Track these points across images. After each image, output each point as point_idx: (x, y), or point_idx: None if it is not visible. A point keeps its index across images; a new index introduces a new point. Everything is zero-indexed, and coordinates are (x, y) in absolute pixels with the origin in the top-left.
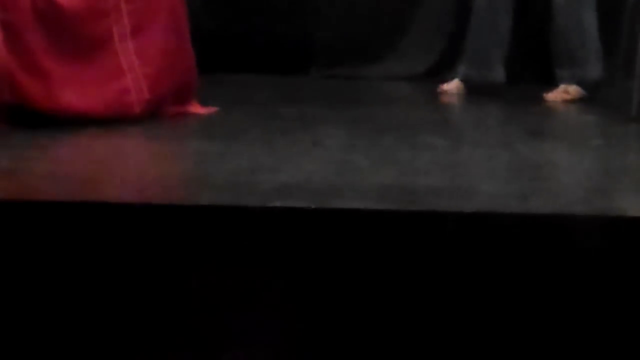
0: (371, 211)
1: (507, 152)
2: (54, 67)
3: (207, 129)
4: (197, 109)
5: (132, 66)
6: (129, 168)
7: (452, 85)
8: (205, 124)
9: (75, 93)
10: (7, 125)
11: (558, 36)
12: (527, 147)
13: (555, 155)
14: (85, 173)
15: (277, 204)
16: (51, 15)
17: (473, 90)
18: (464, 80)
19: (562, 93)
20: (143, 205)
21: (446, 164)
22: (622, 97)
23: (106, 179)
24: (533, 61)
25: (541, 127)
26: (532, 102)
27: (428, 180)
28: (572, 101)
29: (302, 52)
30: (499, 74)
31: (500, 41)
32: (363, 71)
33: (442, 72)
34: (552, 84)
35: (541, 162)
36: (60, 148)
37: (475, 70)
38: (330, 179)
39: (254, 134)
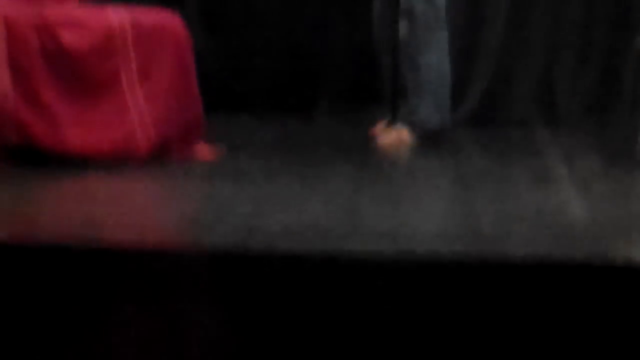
0: (374, 255)
1: (512, 197)
2: (61, 108)
3: (213, 171)
4: (203, 150)
5: (138, 107)
6: (134, 210)
7: (396, 134)
8: (210, 165)
9: (81, 134)
10: (11, 165)
11: (395, 72)
12: (532, 192)
13: (560, 201)
14: (88, 215)
15: (282, 247)
16: (59, 56)
17: (425, 138)
18: (410, 127)
19: (395, 136)
20: (146, 250)
21: (453, 208)
22: (627, 142)
23: (110, 221)
24: (538, 102)
25: (547, 171)
26: (539, 144)
27: (433, 225)
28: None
29: (306, 93)
30: (437, 119)
31: (440, 81)
32: (368, 114)
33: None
34: (557, 126)
35: (545, 207)
36: (64, 189)
37: (418, 116)
38: (334, 222)
39: (261, 175)
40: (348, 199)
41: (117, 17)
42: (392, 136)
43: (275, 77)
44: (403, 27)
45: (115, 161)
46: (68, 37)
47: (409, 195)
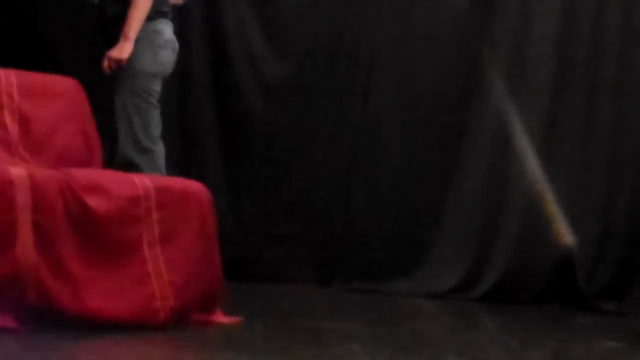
0: None
1: None
2: (82, 271)
3: (231, 339)
4: (221, 318)
5: (159, 273)
6: None
7: None
8: (228, 333)
9: (101, 297)
10: (31, 328)
11: None
12: None
13: None
14: None
15: None
16: (83, 219)
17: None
18: None
19: None
20: None
21: None
22: None
23: None
24: (561, 282)
25: (564, 352)
26: (557, 324)
27: None
28: None
29: (325, 264)
30: None
31: None
32: (386, 286)
33: (466, 289)
34: (581, 307)
35: None
36: (83, 353)
37: None
38: None
39: (277, 346)
40: None
41: (142, 183)
42: None
43: (294, 248)
44: None
45: (134, 325)
46: (92, 202)
47: None
